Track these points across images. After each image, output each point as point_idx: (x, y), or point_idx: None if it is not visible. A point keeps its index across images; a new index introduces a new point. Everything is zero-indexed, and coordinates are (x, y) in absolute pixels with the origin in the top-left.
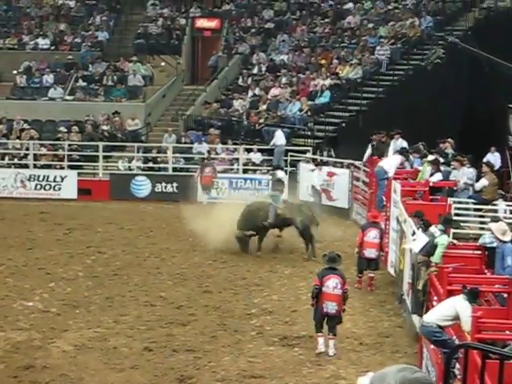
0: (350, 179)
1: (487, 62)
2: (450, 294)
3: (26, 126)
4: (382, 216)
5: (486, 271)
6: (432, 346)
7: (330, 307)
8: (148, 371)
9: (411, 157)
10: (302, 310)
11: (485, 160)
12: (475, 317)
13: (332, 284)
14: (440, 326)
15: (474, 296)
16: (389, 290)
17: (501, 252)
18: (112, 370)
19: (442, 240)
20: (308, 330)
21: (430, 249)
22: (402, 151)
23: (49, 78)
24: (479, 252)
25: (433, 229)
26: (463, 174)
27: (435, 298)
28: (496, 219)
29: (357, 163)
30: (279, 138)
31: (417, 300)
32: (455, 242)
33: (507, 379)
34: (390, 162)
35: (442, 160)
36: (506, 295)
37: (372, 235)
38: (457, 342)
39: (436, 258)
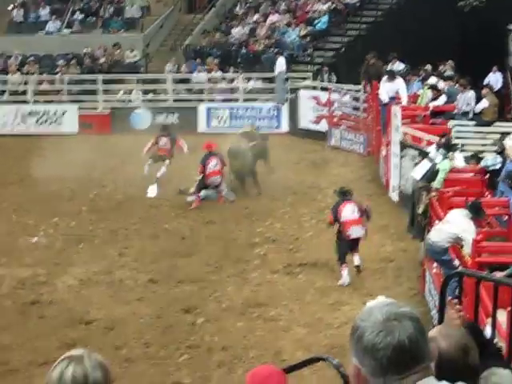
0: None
1: None
2: None
3: (29, 60)
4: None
5: (486, 194)
6: (435, 271)
7: (356, 231)
8: (153, 303)
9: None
10: (305, 238)
11: (486, 80)
12: (475, 240)
13: (349, 210)
14: (445, 246)
15: (477, 209)
16: (391, 214)
17: (506, 171)
18: (117, 303)
19: (444, 165)
20: (312, 257)
21: (431, 175)
22: (387, 74)
23: (45, 12)
24: (480, 175)
25: (434, 154)
26: (464, 99)
27: (436, 222)
28: None
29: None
30: (280, 64)
31: (418, 224)
32: (456, 165)
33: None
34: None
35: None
36: (506, 217)
37: (213, 164)
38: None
39: (437, 184)
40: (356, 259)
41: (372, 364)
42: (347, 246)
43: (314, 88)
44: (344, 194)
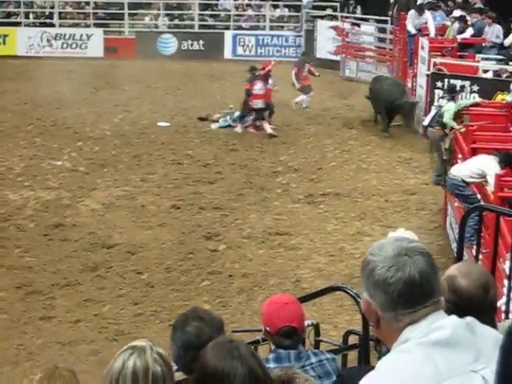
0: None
1: None
2: (475, 152)
3: None
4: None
5: (511, 128)
6: (456, 204)
7: (259, 103)
8: (175, 228)
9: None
10: (328, 168)
11: None
12: (498, 175)
13: (258, 87)
14: (465, 182)
15: (507, 159)
16: (415, 147)
17: None
18: (140, 228)
19: (448, 107)
20: (334, 187)
21: (439, 118)
22: (416, 8)
23: None
24: (505, 110)
25: (440, 101)
26: (492, 32)
27: (460, 156)
28: None
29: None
30: None
31: (444, 159)
32: (479, 100)
33: None
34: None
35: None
36: None
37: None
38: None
39: (448, 124)
40: (267, 127)
41: (383, 298)
42: (249, 111)
43: (335, 18)
44: (254, 69)
